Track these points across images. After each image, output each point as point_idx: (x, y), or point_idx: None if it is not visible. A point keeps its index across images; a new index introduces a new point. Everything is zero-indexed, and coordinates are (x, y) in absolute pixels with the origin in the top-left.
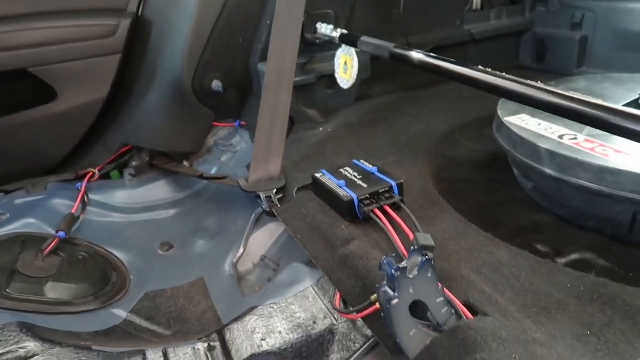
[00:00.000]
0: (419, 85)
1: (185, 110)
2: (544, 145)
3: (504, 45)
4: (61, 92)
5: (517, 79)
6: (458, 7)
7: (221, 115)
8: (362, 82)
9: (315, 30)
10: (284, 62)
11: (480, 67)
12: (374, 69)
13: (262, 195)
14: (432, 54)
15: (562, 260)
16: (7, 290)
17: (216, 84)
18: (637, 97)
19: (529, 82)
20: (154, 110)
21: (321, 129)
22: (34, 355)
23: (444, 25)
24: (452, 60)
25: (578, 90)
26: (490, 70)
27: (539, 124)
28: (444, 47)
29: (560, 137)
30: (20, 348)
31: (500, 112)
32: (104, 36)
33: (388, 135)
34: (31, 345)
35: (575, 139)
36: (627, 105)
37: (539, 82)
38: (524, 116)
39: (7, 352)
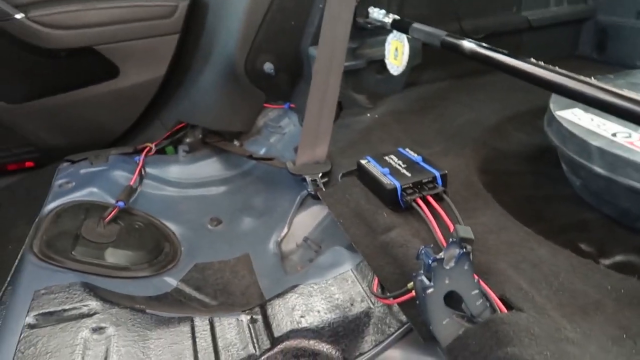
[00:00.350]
0: (471, 72)
1: (237, 91)
2: (594, 142)
3: (563, 33)
4: (123, 70)
5: (570, 74)
6: None
7: (271, 97)
8: (413, 68)
9: (367, 15)
10: (334, 46)
11: (532, 59)
12: (425, 55)
13: (308, 179)
14: (484, 44)
15: (606, 261)
16: (73, 252)
17: (268, 66)
18: None
19: (582, 77)
20: (207, 89)
21: (368, 114)
22: (95, 313)
23: (499, 11)
24: (505, 51)
25: (636, 85)
26: (543, 63)
27: (592, 120)
28: (498, 34)
29: (613, 134)
30: (84, 305)
31: (552, 105)
32: (164, 16)
33: (436, 124)
34: (93, 304)
35: (629, 137)
36: None
37: (598, 75)
38: (576, 110)
39: (72, 308)
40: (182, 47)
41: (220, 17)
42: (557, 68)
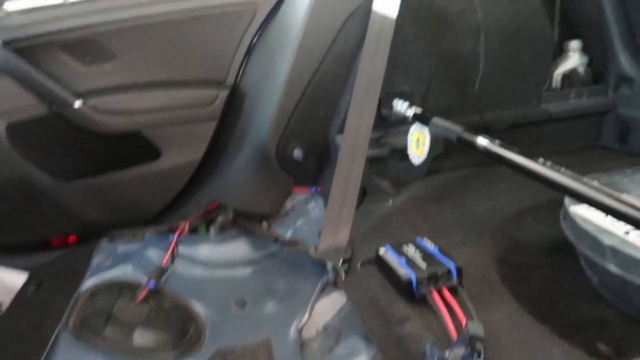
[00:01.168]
0: (491, 162)
1: (267, 174)
2: (607, 241)
3: (584, 124)
4: (165, 152)
5: (581, 178)
6: (536, 85)
7: (299, 181)
8: (435, 157)
9: (391, 107)
10: (358, 136)
11: (546, 161)
12: (447, 144)
13: (329, 265)
14: (498, 141)
15: None
16: (104, 332)
17: (297, 152)
18: None
19: (593, 183)
20: (240, 171)
21: (390, 201)
22: None
23: (520, 104)
24: (517, 149)
25: None
26: (554, 164)
27: (605, 216)
28: (519, 125)
29: (626, 232)
30: None
31: (566, 200)
32: (205, 104)
33: (455, 213)
34: None
35: None
36: None
37: (617, 167)
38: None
39: None
40: (219, 132)
41: (257, 104)
42: (566, 170)
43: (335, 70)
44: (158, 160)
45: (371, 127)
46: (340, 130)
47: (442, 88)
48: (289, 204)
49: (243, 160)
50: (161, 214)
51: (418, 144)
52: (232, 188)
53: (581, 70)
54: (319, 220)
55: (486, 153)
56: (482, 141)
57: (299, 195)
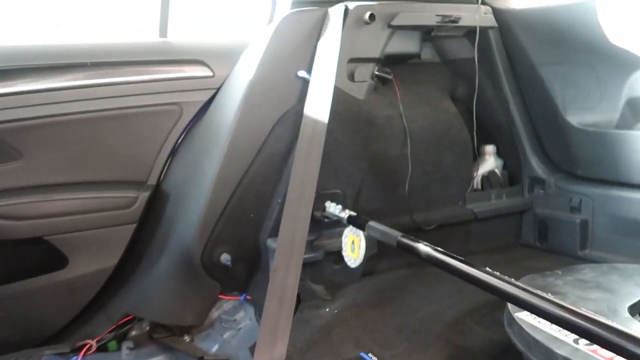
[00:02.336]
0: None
1: (191, 282)
2: (559, 350)
3: (506, 223)
4: (73, 259)
5: (522, 285)
6: (460, 187)
7: (227, 288)
8: (369, 257)
9: (324, 209)
10: (294, 240)
11: (488, 269)
12: (381, 244)
13: None
14: (439, 249)
15: None
16: None
17: (225, 257)
18: None
19: (536, 291)
20: (160, 280)
21: (327, 309)
22: None
23: (447, 205)
24: (460, 258)
25: (585, 282)
26: (496, 273)
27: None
28: (447, 225)
29: (576, 340)
30: None
31: (510, 306)
32: (123, 207)
33: (396, 318)
34: None
35: (592, 344)
36: (638, 303)
37: (542, 265)
38: None
39: None
40: (138, 236)
41: (180, 207)
42: (512, 280)
43: (266, 172)
44: (64, 269)
45: (307, 230)
46: (272, 234)
47: (374, 190)
48: (214, 314)
49: (163, 267)
50: (63, 331)
51: (353, 247)
52: (149, 298)
53: (498, 172)
54: (249, 332)
55: (429, 259)
56: (424, 247)
57: (226, 303)
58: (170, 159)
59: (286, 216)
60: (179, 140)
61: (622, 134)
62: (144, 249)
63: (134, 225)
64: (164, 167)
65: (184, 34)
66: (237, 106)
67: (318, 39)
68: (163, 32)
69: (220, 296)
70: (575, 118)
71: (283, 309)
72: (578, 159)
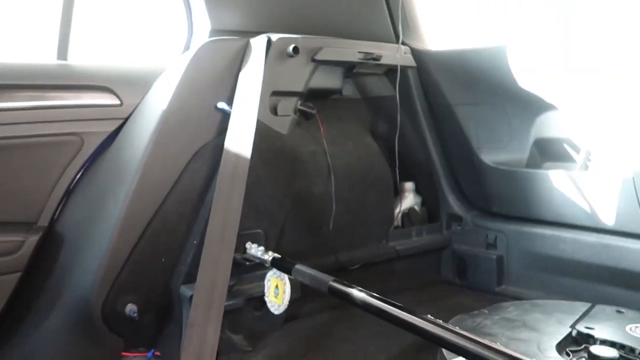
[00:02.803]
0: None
1: (89, 338)
2: None
3: (427, 260)
4: None
5: (460, 331)
6: (383, 225)
7: (132, 344)
8: (292, 301)
9: (244, 250)
10: (214, 287)
11: (429, 316)
12: (304, 285)
13: None
14: (375, 295)
15: None
16: None
17: (130, 308)
18: (570, 330)
19: (471, 336)
20: (50, 337)
21: None
22: None
23: (370, 243)
24: (398, 304)
25: (512, 320)
26: (430, 317)
27: None
28: (371, 263)
29: None
30: None
31: (445, 351)
32: (6, 253)
33: None
34: None
35: None
36: (563, 340)
37: (464, 302)
38: None
39: None
40: (23, 286)
41: (77, 252)
42: (447, 325)
43: (180, 211)
44: None
45: (228, 275)
46: (187, 280)
47: (297, 230)
48: None
49: (55, 322)
50: None
51: (277, 291)
52: (37, 358)
53: (417, 209)
54: None
55: (365, 307)
56: (358, 294)
57: None
58: (66, 197)
59: (205, 260)
60: (78, 175)
61: (531, 172)
62: (31, 301)
63: (19, 274)
64: (58, 206)
65: (87, 57)
66: (148, 138)
67: (239, 70)
68: (62, 53)
69: (123, 353)
70: (489, 157)
71: None
72: (492, 196)
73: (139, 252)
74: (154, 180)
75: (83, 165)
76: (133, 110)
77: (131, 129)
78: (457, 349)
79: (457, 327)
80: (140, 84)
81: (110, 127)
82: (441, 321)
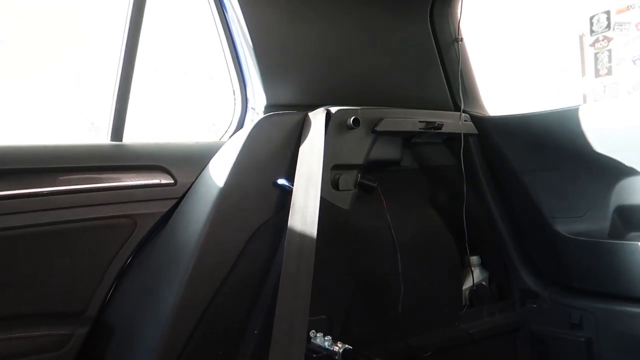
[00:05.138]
0: None
1: None
2: None
3: (501, 343)
4: None
5: None
6: (452, 305)
7: None
8: None
9: (309, 340)
10: None
11: None
12: None
13: None
14: None
15: None
16: None
17: None
18: None
19: None
20: None
21: None
22: None
23: (440, 326)
24: None
25: None
26: None
27: None
28: (444, 348)
29: None
30: None
31: None
32: (52, 349)
33: None
34: None
35: None
36: None
37: None
38: None
39: None
40: None
41: (127, 345)
42: None
43: (239, 297)
44: None
45: None
46: None
47: (363, 313)
48: None
49: None
50: None
51: None
52: None
53: (485, 284)
54: None
55: None
56: None
57: None
58: (116, 283)
59: (274, 353)
60: (129, 260)
61: (616, 244)
62: None
63: None
64: (107, 294)
65: (139, 137)
66: (204, 218)
67: (297, 144)
68: (116, 134)
69: None
70: (564, 227)
71: None
72: (572, 269)
73: (194, 343)
74: (211, 263)
75: (135, 248)
76: (187, 190)
77: (185, 210)
78: None
79: None
80: (195, 162)
81: (164, 207)
82: None
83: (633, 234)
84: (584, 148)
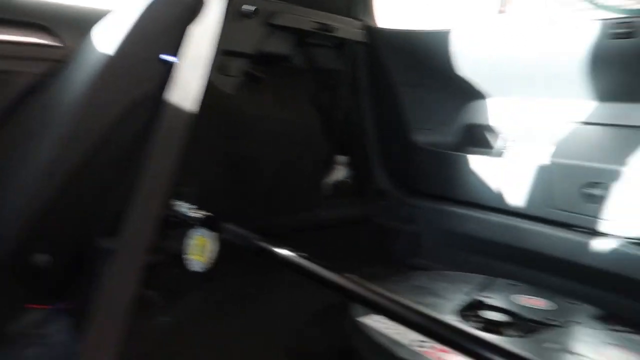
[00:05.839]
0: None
1: None
2: (401, 353)
3: (350, 231)
4: None
5: (378, 289)
6: (314, 195)
7: (37, 296)
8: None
9: (172, 206)
10: (138, 242)
11: (349, 274)
12: (231, 248)
13: None
14: (302, 254)
15: None
16: None
17: (41, 258)
18: (469, 298)
19: (388, 294)
20: None
21: (164, 318)
22: None
23: (301, 210)
24: (322, 263)
25: (420, 287)
26: (352, 276)
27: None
28: (299, 230)
29: (421, 345)
30: None
31: (353, 311)
32: None
33: (237, 329)
34: None
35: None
36: (465, 307)
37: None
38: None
39: None
40: None
41: None
42: (356, 277)
43: (111, 162)
44: None
45: (154, 231)
46: (108, 233)
47: (228, 191)
48: (15, 328)
49: None
50: None
51: (202, 250)
52: None
53: (348, 182)
54: (60, 347)
55: (288, 264)
56: (286, 253)
57: (34, 314)
58: None
59: (134, 214)
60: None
61: (457, 155)
62: None
63: None
64: None
65: None
66: (87, 84)
67: (190, 23)
68: None
69: (28, 305)
70: (420, 138)
71: (116, 320)
72: (420, 175)
73: (60, 200)
74: (86, 126)
75: (8, 106)
76: (71, 53)
77: (68, 73)
78: (372, 304)
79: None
80: (81, 26)
81: (45, 68)
82: (358, 278)
83: (472, 148)
84: (451, 69)
